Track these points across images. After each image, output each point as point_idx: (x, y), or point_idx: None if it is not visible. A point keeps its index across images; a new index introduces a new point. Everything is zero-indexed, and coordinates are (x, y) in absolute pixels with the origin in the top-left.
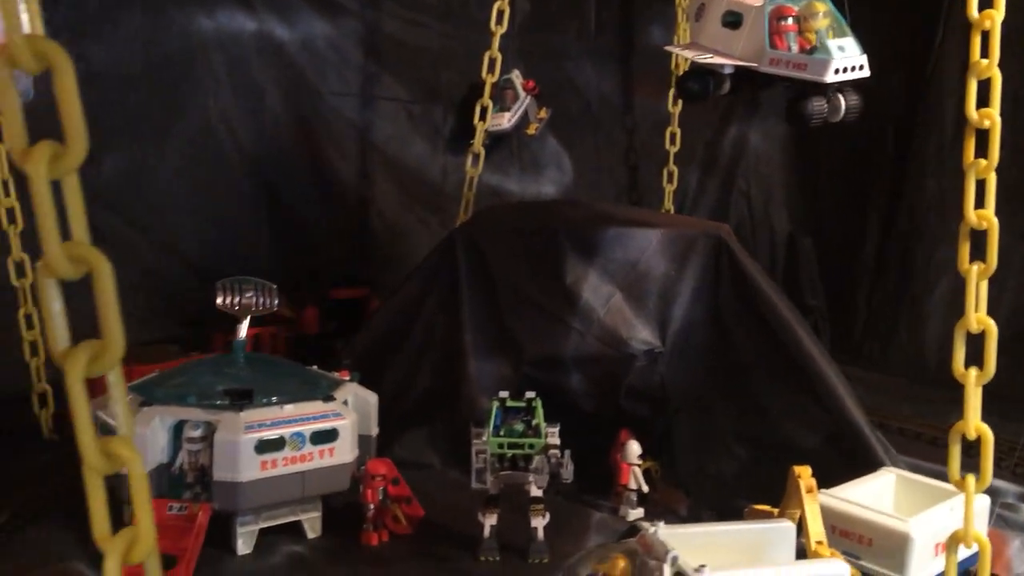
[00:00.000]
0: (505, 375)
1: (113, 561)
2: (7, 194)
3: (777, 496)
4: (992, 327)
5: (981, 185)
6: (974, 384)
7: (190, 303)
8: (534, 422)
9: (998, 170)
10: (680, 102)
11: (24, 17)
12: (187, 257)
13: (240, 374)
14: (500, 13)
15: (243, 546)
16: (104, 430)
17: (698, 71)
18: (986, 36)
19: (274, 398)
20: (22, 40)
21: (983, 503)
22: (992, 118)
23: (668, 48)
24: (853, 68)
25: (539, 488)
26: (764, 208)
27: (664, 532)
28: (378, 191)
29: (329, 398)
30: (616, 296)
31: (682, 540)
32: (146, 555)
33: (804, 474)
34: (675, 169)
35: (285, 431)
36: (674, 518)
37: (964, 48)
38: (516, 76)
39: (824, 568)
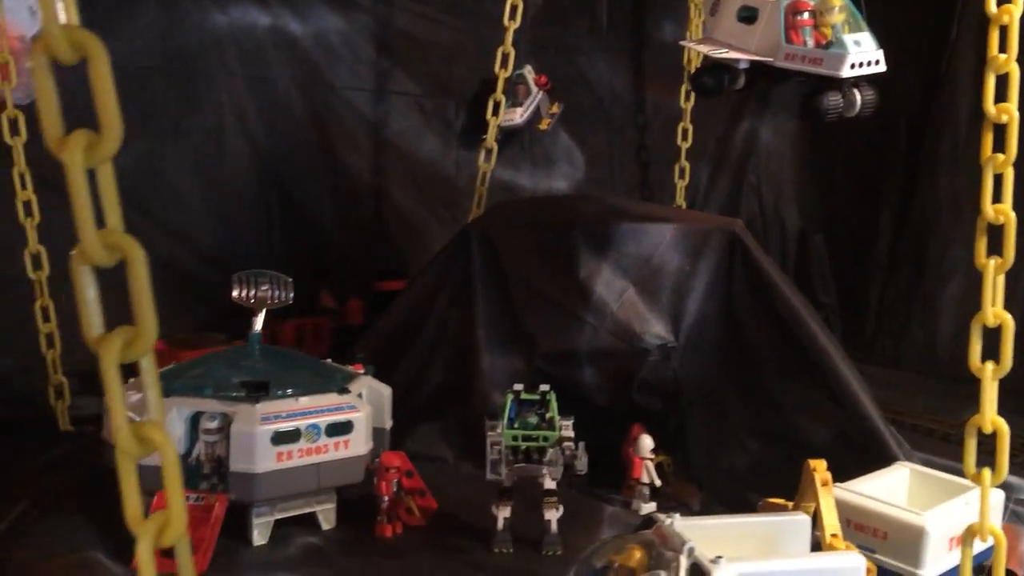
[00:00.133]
0: (518, 369)
1: (145, 544)
2: (23, 187)
3: (790, 491)
4: (1009, 321)
5: (998, 180)
6: (990, 378)
7: (211, 294)
8: (548, 415)
9: (1015, 165)
10: (692, 98)
11: (60, 7)
12: (201, 250)
13: (256, 366)
14: (513, 8)
15: (259, 537)
16: None
17: (713, 66)
18: (1004, 31)
19: (289, 390)
20: (59, 30)
21: (998, 498)
22: (1010, 113)
23: (683, 43)
24: (869, 63)
25: (553, 480)
26: (775, 205)
27: (680, 524)
28: (391, 185)
29: (344, 391)
30: (629, 291)
31: (698, 532)
32: (177, 538)
33: (819, 467)
34: (687, 165)
35: (301, 423)
36: (686, 512)
37: (978, 46)
38: (528, 71)
39: (840, 560)
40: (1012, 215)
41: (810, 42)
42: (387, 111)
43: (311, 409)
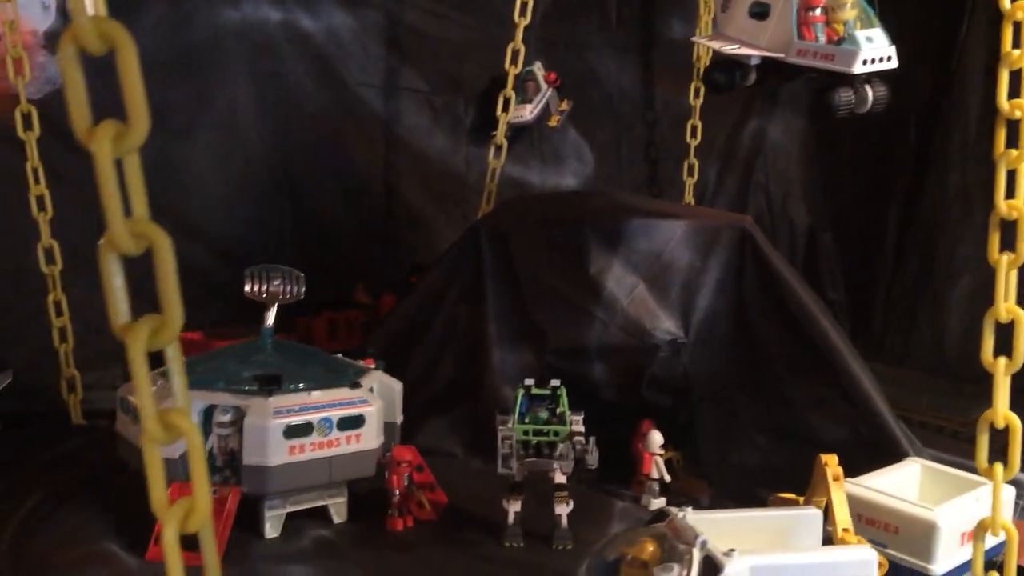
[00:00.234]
0: (528, 365)
1: (171, 530)
2: (37, 182)
3: (800, 488)
4: (1022, 316)
5: (1011, 176)
6: (1003, 373)
7: (223, 289)
8: (559, 410)
9: None
10: (701, 95)
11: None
12: (214, 245)
13: (268, 361)
14: (524, 5)
15: (271, 529)
16: (135, 416)
17: (724, 62)
18: (1018, 27)
19: (302, 384)
20: (88, 21)
21: (1009, 493)
22: (1023, 108)
23: (694, 39)
24: (881, 59)
25: (564, 474)
26: (783, 202)
27: (692, 517)
28: (401, 182)
29: (355, 385)
30: (640, 287)
31: (710, 525)
32: (202, 524)
33: (831, 462)
34: (696, 162)
35: (313, 417)
36: (696, 508)
37: (988, 42)
38: (538, 68)
39: (853, 554)
40: None
41: (822, 38)
42: (397, 107)
43: (323, 403)
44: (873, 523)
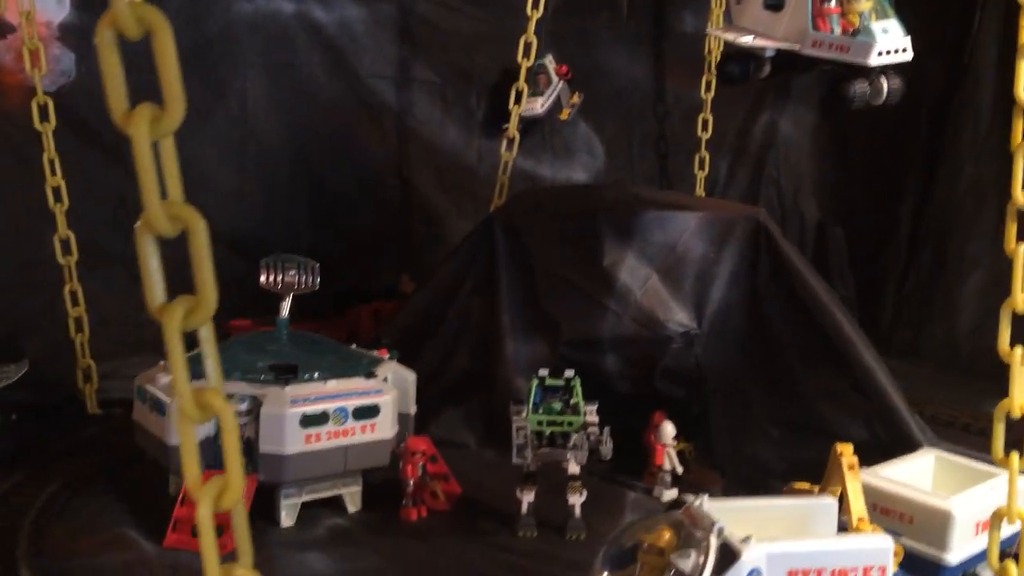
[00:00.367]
0: (542, 356)
1: (205, 507)
2: (53, 173)
3: (813, 479)
4: None
5: None
6: (1019, 363)
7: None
8: (572, 401)
9: None
10: (713, 88)
11: None
12: (228, 236)
13: (283, 351)
14: None
15: (286, 518)
16: (153, 405)
17: (738, 54)
18: None
19: (317, 374)
20: (125, 5)
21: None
22: None
23: (709, 31)
24: (896, 51)
25: (578, 465)
26: (794, 196)
27: (708, 505)
28: (413, 174)
29: (370, 375)
30: (653, 278)
31: (726, 513)
32: (235, 502)
33: (846, 451)
34: (707, 155)
35: (329, 406)
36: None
37: (1001, 36)
38: (549, 61)
39: (869, 541)
40: None
41: (837, 30)
42: (410, 99)
43: (339, 392)
44: (888, 513)
